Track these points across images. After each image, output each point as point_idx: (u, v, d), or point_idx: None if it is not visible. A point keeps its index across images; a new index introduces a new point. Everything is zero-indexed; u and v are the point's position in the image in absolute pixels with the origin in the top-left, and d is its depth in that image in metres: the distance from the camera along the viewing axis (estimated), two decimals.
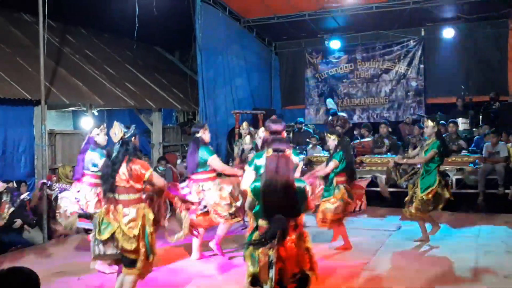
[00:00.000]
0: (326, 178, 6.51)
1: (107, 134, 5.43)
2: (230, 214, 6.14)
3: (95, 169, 5.84)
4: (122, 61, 12.92)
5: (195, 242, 6.41)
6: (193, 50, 12.46)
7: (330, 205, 6.39)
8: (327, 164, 6.57)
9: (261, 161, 4.38)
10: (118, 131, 4.49)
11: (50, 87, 9.23)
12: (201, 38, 12.09)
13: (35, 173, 8.91)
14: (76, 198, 5.92)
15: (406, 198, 6.90)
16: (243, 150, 8.33)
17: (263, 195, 3.64)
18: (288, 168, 3.71)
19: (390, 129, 11.27)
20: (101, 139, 6.06)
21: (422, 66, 13.80)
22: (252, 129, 9.10)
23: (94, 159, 5.93)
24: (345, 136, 6.79)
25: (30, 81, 9.01)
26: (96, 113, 10.82)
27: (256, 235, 3.64)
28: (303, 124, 12.96)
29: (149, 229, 4.44)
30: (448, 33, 13.12)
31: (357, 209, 6.69)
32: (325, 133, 6.83)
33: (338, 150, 6.50)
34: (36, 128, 8.80)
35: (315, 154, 10.78)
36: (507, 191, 8.75)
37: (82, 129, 9.68)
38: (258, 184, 3.72)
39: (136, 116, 12.32)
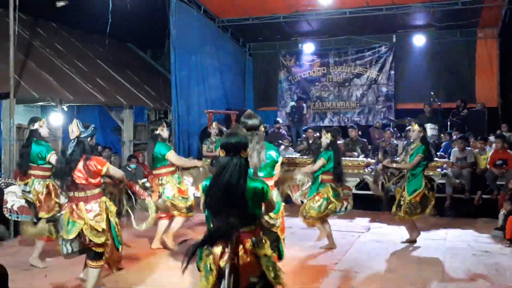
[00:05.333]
0: (313, 175, 6.63)
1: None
2: (187, 209, 6.39)
3: (42, 162, 5.87)
4: (94, 57, 12.71)
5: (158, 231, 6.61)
6: (167, 48, 12.32)
7: (314, 203, 6.51)
8: (315, 163, 6.66)
9: None
10: (75, 128, 4.59)
11: (19, 80, 9.01)
12: (175, 37, 11.98)
13: (2, 169, 8.68)
14: (23, 191, 5.85)
15: (395, 203, 6.94)
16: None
17: (206, 195, 3.26)
18: (239, 169, 3.18)
19: (360, 133, 11.40)
20: (45, 131, 6.02)
21: (392, 72, 14.05)
22: (225, 129, 9.15)
23: (41, 152, 5.87)
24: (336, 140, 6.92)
25: None
26: (65, 109, 10.61)
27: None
28: (282, 124, 12.97)
29: (114, 220, 4.60)
30: (419, 40, 13.43)
31: (343, 209, 6.79)
32: (323, 130, 6.92)
33: (329, 149, 6.58)
34: (4, 122, 8.58)
35: (287, 156, 10.81)
36: (473, 196, 8.97)
37: (51, 125, 9.47)
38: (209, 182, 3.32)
39: (106, 112, 12.14)
